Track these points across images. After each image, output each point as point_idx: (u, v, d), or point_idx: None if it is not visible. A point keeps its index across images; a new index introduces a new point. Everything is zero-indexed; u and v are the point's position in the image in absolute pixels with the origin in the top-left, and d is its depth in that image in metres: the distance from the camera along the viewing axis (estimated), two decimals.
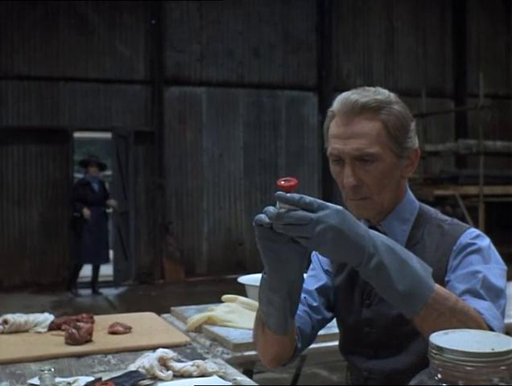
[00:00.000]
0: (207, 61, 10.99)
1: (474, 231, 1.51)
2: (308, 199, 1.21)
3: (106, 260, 9.43)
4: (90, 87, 10.30)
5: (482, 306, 1.34)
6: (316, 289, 1.68)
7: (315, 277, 1.71)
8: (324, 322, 1.70)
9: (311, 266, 1.76)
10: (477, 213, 10.24)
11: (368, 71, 12.12)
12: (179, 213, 10.83)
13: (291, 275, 1.32)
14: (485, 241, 1.49)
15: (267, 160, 11.39)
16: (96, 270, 9.36)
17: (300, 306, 1.63)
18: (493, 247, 1.49)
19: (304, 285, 1.64)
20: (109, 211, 9.80)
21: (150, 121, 10.62)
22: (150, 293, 9.58)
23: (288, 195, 1.21)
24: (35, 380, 1.81)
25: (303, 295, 1.65)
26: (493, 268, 1.42)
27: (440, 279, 1.43)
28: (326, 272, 1.71)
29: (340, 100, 1.50)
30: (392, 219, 1.55)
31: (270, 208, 1.22)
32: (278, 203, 1.23)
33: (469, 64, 12.61)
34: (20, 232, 10.02)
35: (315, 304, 1.66)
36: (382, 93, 1.49)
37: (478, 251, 1.45)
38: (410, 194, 1.59)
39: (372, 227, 1.57)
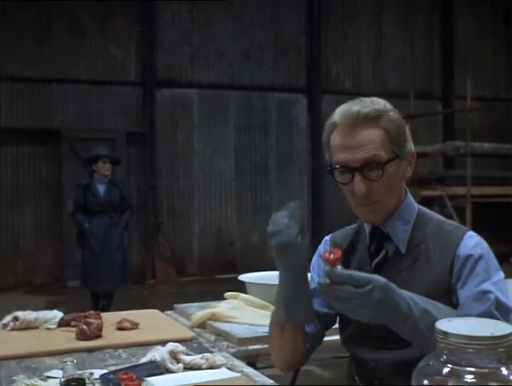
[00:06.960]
0: (198, 63, 11.06)
1: (473, 236, 1.61)
2: (357, 275, 1.35)
3: (117, 284, 7.15)
4: (82, 88, 10.35)
5: None
6: None
7: None
8: (329, 322, 1.78)
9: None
10: (465, 213, 10.35)
11: (357, 73, 12.24)
12: (171, 213, 10.89)
13: None
14: (485, 247, 1.59)
15: (258, 161, 11.48)
16: (106, 298, 7.07)
17: None
18: (490, 251, 1.59)
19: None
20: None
21: (141, 123, 10.68)
22: (141, 292, 9.61)
23: (338, 271, 1.34)
24: (53, 373, 1.88)
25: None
26: (498, 283, 1.53)
27: (446, 277, 1.57)
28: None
29: (341, 113, 1.58)
30: (395, 220, 1.64)
31: (321, 280, 1.36)
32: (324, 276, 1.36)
33: (457, 67, 12.75)
34: (13, 233, 10.05)
35: (324, 310, 1.74)
36: (379, 103, 1.60)
37: (481, 259, 1.55)
38: (410, 196, 1.69)
39: (376, 228, 1.67)
